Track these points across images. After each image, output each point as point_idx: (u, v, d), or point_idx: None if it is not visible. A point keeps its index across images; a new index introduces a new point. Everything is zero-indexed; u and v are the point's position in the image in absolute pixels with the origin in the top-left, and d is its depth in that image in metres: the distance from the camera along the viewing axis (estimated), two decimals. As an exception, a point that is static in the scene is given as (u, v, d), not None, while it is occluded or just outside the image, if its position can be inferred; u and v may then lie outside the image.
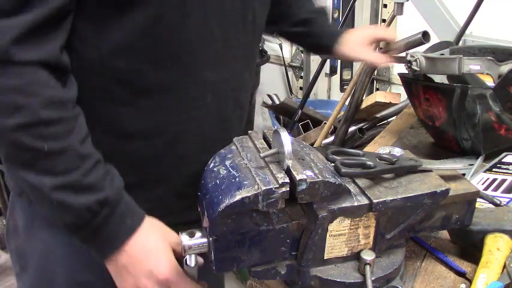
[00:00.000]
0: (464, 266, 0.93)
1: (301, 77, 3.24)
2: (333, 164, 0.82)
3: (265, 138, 0.87)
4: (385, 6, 2.79)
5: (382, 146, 1.09)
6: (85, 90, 0.82)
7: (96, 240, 0.81)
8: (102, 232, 0.79)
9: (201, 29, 0.86)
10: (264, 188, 0.72)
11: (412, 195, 0.81)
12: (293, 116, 2.34)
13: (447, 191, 0.83)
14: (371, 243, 0.84)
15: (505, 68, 1.21)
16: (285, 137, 0.75)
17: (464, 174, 1.17)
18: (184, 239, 0.78)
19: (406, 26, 2.15)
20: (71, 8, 0.76)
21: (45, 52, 0.74)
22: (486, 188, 1.13)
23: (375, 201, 0.79)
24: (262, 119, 3.30)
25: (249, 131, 0.89)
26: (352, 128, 2.00)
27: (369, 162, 0.83)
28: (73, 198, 0.77)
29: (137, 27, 0.81)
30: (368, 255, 0.82)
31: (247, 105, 1.06)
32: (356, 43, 1.19)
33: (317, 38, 1.25)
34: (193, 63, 0.88)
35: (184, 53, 0.86)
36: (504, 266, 0.86)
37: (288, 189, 0.73)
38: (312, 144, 2.01)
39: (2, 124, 0.73)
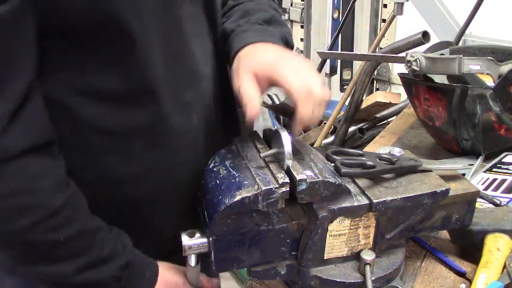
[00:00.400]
0: (464, 266, 0.93)
1: (301, 77, 3.23)
2: (333, 164, 0.82)
3: (265, 138, 0.87)
4: (385, 6, 2.79)
5: (382, 146, 1.09)
6: (71, 146, 0.78)
7: None
8: None
9: (166, 51, 0.79)
10: (264, 188, 0.72)
11: (412, 195, 0.81)
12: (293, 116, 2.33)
13: (447, 191, 0.83)
14: (371, 243, 0.84)
15: (505, 68, 1.21)
16: (285, 137, 0.75)
17: (464, 174, 1.17)
18: (185, 239, 0.78)
19: (406, 26, 2.15)
20: (35, 75, 0.71)
21: (32, 135, 0.70)
22: (486, 188, 1.13)
23: (375, 201, 0.79)
24: (262, 119, 3.29)
25: (249, 131, 0.89)
26: (352, 128, 1.99)
27: (369, 162, 0.83)
28: (96, 273, 0.77)
29: (106, 68, 0.75)
30: (368, 255, 0.82)
31: (226, 97, 0.97)
32: (247, 65, 0.83)
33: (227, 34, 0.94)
34: (170, 90, 0.81)
35: (159, 83, 0.80)
36: (504, 266, 0.86)
37: (288, 189, 0.73)
38: (312, 144, 2.01)
39: (10, 229, 0.71)
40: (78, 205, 0.77)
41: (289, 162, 0.75)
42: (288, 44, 0.93)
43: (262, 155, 0.78)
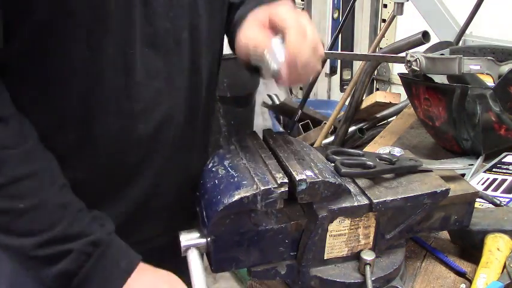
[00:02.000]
0: (464, 266, 0.93)
1: (301, 77, 3.23)
2: (333, 164, 0.82)
3: (264, 139, 0.87)
4: (385, 6, 2.79)
5: (382, 146, 1.09)
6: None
7: (89, 285, 0.75)
8: (96, 276, 0.74)
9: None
10: (262, 188, 0.72)
11: (412, 195, 0.81)
12: (293, 116, 2.33)
13: (447, 191, 0.83)
14: (371, 243, 0.84)
15: (505, 68, 1.21)
16: (275, 42, 0.74)
17: (464, 175, 1.17)
18: (183, 239, 0.78)
19: (406, 26, 2.15)
20: None
21: None
22: (486, 188, 1.13)
23: (375, 201, 0.78)
24: (262, 119, 3.30)
25: (249, 131, 0.89)
26: (352, 128, 2.00)
27: (369, 162, 0.83)
28: (60, 247, 0.72)
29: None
30: (368, 255, 0.81)
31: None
32: (253, 23, 0.82)
33: (233, 10, 0.91)
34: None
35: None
36: (504, 266, 0.86)
37: (287, 189, 0.73)
38: (312, 144, 2.01)
39: None
40: (49, 178, 0.73)
41: (274, 65, 0.73)
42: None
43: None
